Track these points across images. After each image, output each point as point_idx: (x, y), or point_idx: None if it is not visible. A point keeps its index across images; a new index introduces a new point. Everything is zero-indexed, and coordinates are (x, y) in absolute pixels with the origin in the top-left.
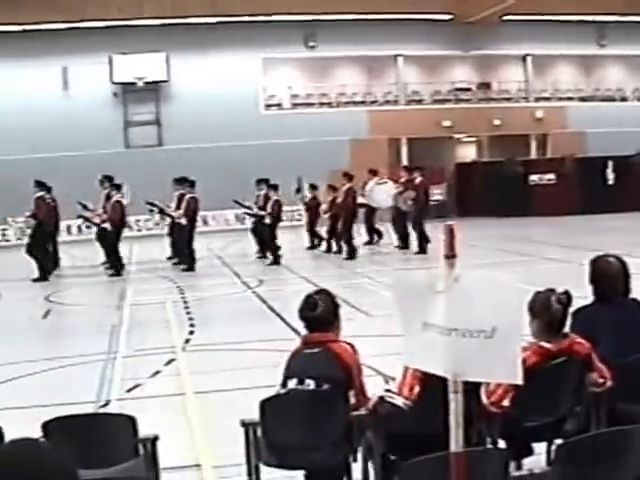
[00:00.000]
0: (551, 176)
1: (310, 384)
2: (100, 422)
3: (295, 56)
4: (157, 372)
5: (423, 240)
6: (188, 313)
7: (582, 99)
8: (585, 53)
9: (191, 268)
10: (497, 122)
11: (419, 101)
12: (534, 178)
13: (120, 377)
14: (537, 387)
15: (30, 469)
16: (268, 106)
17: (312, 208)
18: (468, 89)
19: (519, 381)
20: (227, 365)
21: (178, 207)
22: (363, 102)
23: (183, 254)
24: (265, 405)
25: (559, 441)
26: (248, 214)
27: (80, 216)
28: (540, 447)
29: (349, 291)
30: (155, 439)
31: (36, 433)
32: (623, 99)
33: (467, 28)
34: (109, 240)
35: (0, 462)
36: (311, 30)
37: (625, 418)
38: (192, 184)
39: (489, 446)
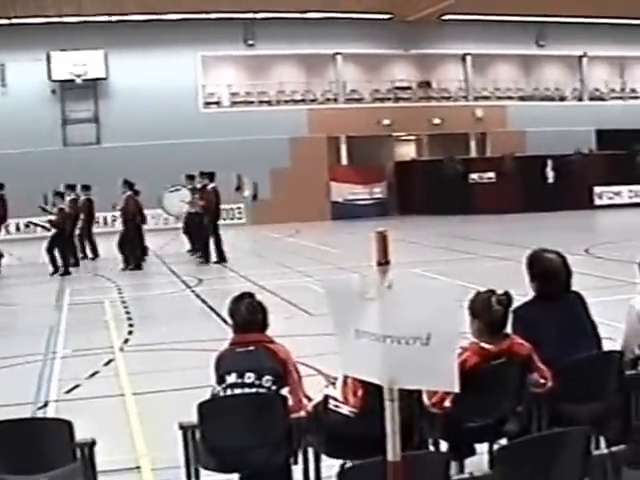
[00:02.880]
0: (491, 175)
1: (251, 377)
2: (36, 427)
3: (234, 54)
4: (95, 373)
5: (220, 248)
6: (127, 313)
7: (522, 98)
8: (524, 53)
9: (60, 271)
10: (437, 121)
11: (359, 99)
12: (474, 176)
13: (58, 378)
14: (478, 388)
15: None
16: (207, 104)
17: None
18: (408, 88)
19: (456, 389)
20: (166, 365)
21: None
22: (303, 100)
23: (60, 258)
24: (203, 408)
25: (502, 441)
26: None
27: None
28: (482, 447)
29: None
30: (93, 443)
31: None
32: (562, 99)
33: (406, 27)
34: None
35: None
36: (250, 28)
37: (567, 419)
38: (62, 195)
39: (431, 447)
